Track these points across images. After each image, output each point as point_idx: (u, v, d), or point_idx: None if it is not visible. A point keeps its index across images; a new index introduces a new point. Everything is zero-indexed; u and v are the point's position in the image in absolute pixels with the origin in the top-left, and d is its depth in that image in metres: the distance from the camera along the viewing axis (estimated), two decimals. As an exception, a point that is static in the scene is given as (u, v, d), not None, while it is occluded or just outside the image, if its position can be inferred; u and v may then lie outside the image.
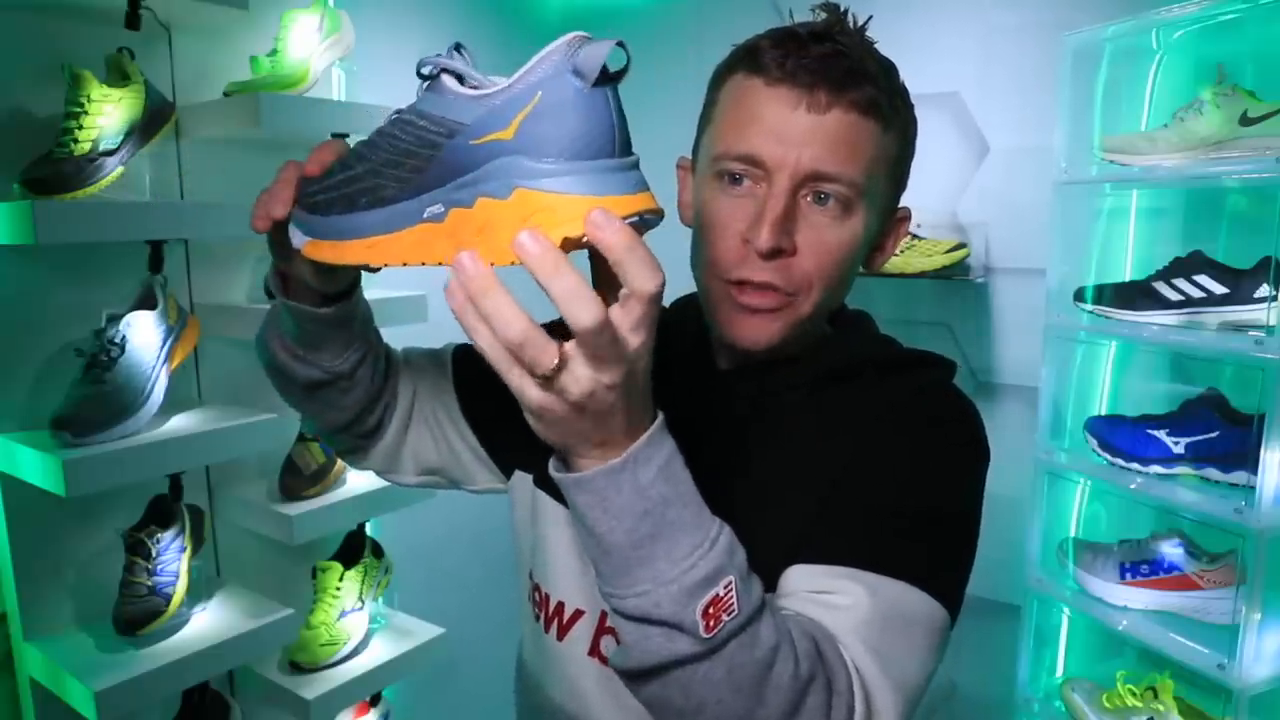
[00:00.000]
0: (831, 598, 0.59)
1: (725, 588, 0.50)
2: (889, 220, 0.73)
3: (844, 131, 0.64)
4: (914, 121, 0.71)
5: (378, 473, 0.87)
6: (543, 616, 0.78)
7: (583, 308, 0.44)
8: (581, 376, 0.46)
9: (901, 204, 0.74)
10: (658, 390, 0.52)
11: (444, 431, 0.84)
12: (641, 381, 0.49)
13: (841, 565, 0.60)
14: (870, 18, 0.68)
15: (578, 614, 0.75)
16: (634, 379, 0.48)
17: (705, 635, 0.50)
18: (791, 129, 0.63)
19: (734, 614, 0.50)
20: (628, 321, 0.46)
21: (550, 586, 0.77)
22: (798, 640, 0.53)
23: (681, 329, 0.77)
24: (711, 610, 0.50)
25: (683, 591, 0.49)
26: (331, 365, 0.72)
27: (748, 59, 0.66)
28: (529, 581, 0.81)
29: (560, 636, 0.76)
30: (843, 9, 0.67)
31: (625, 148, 0.47)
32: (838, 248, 0.67)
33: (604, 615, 0.73)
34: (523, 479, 0.82)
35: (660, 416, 0.52)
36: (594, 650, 0.73)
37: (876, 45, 0.67)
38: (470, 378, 0.84)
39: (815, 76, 0.63)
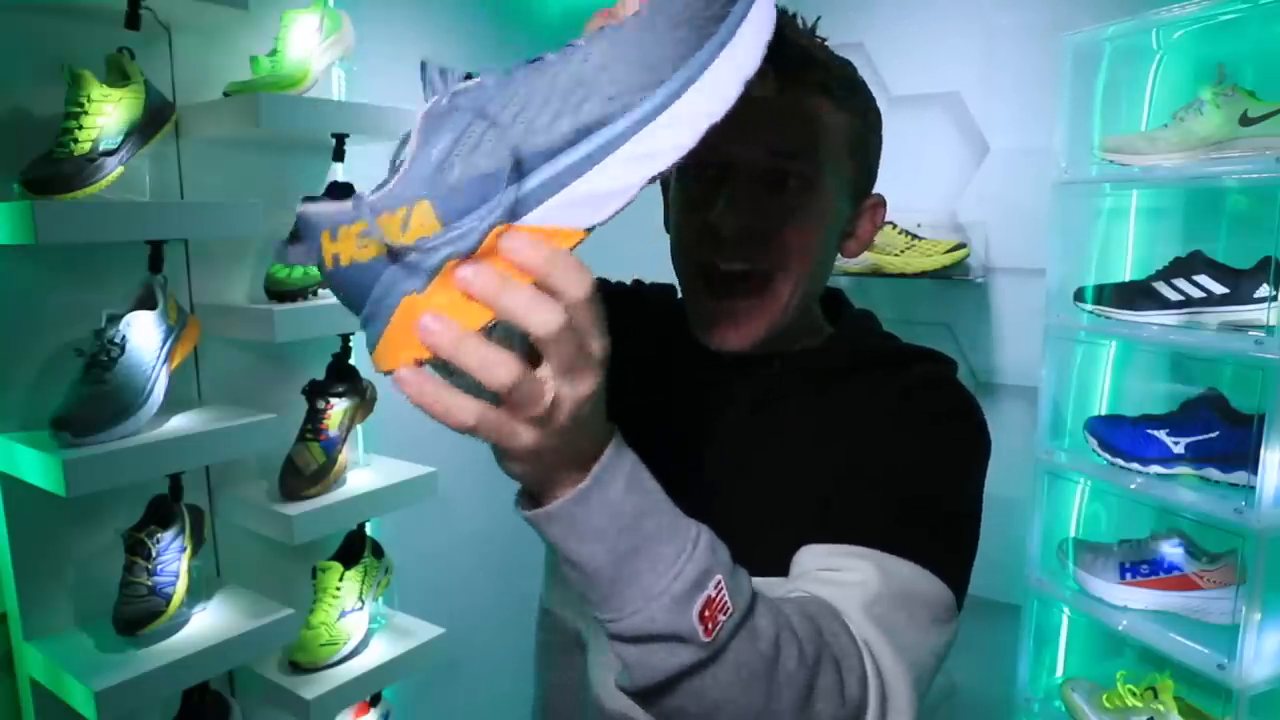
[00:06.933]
0: (839, 574, 0.59)
1: (716, 588, 0.50)
2: (860, 205, 0.74)
3: (795, 109, 0.66)
4: (874, 110, 0.73)
5: None
6: None
7: (545, 313, 0.42)
8: (564, 397, 0.45)
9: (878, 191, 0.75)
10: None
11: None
12: (601, 391, 0.48)
13: (850, 544, 0.61)
14: (819, 18, 0.71)
15: None
16: (601, 388, 0.47)
17: (705, 639, 0.49)
18: (746, 113, 0.65)
19: (729, 612, 0.50)
20: (584, 328, 0.44)
21: None
22: (797, 624, 0.53)
23: (683, 312, 0.76)
24: (707, 613, 0.49)
25: (674, 601, 0.49)
26: None
27: None
28: None
29: None
30: (791, 12, 0.68)
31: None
32: (807, 223, 0.68)
33: None
34: None
35: (615, 428, 0.50)
36: None
37: (827, 42, 0.71)
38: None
39: (765, 63, 0.64)
